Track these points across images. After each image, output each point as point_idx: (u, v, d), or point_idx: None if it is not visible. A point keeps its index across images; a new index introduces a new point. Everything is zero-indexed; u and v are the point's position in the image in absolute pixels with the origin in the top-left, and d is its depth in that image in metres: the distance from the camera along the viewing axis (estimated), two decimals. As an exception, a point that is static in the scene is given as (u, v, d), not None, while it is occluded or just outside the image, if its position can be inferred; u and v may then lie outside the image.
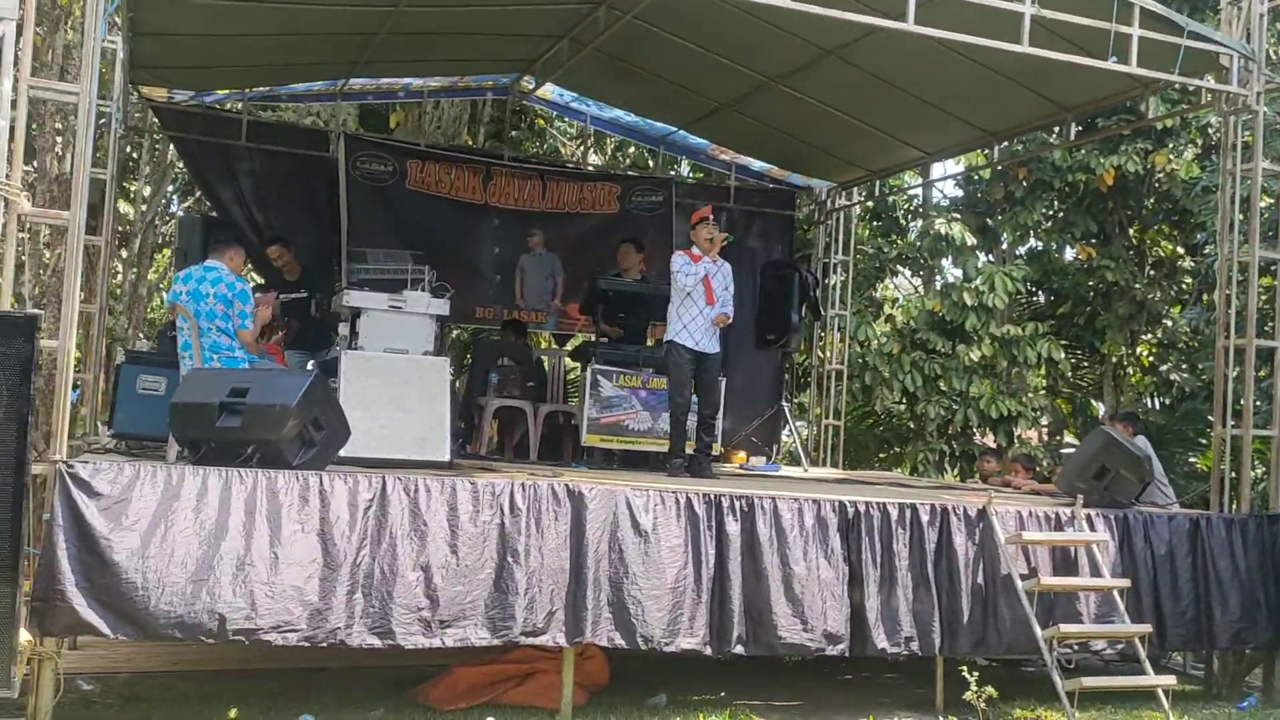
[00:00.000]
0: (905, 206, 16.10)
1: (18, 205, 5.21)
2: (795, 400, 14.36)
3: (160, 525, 5.47)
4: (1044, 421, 14.47)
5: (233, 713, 5.84)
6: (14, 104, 5.23)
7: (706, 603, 6.47)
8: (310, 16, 8.74)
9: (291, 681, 6.71)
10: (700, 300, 8.10)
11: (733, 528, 6.55)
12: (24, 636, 5.02)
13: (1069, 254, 15.46)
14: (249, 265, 9.28)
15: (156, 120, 11.04)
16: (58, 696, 5.40)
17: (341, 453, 6.36)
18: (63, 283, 11.38)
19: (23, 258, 12.11)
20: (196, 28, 8.77)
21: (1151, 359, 15.08)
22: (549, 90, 11.87)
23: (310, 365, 8.13)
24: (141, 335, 15.64)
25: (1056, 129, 11.13)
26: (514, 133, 14.19)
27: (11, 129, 5.23)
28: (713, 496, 6.57)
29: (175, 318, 7.38)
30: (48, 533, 5.26)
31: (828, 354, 12.73)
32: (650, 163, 14.71)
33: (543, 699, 6.35)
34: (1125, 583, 7.09)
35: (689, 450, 8.31)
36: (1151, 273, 14.68)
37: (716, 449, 9.73)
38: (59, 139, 12.99)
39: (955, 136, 10.77)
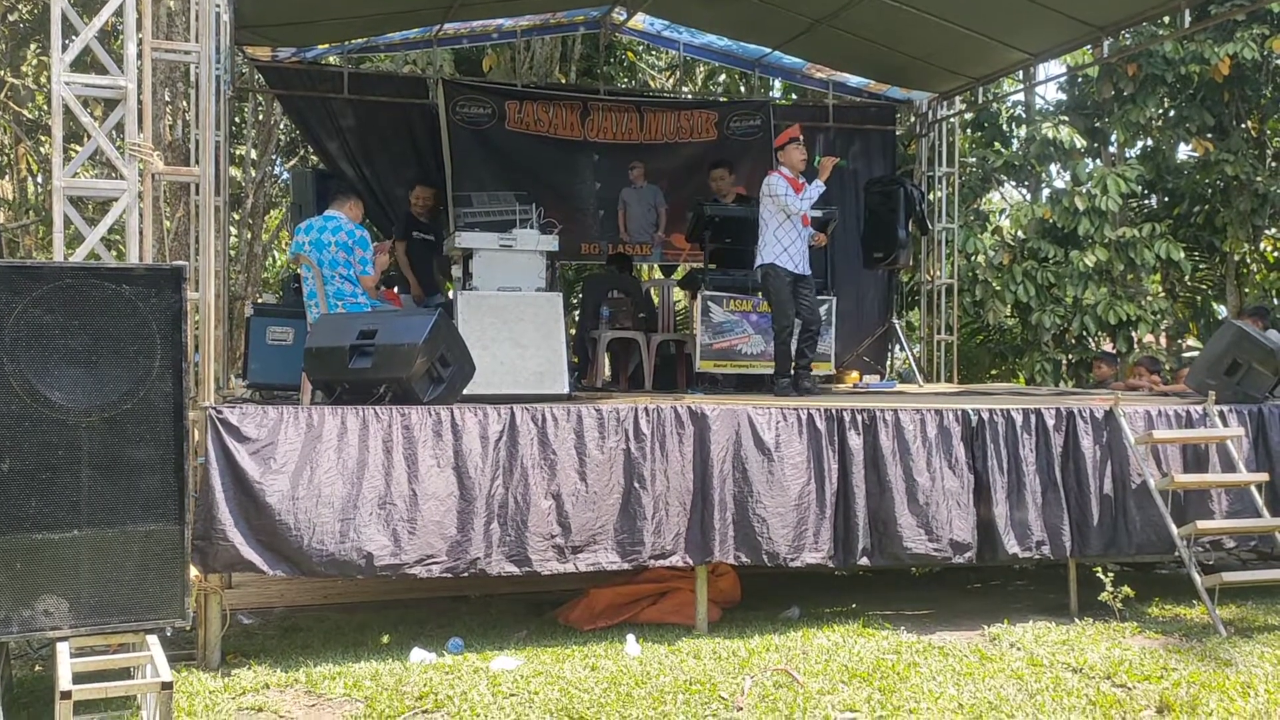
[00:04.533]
0: (1008, 114, 15.71)
1: (152, 165, 5.43)
2: (904, 318, 14.23)
3: (306, 467, 5.72)
4: (1164, 325, 14.11)
5: (385, 639, 6.13)
6: (139, 66, 5.44)
7: (830, 517, 6.54)
8: (406, -39, 8.83)
9: (436, 610, 6.98)
10: (798, 223, 8.07)
11: (855, 441, 6.60)
12: (191, 572, 5.31)
13: (1182, 153, 14.94)
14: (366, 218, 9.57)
15: (261, 79, 11.29)
16: (224, 629, 5.73)
17: (464, 391, 6.53)
18: (183, 245, 11.85)
19: (141, 225, 12.57)
20: (296, -17, 8.94)
21: (1276, 254, 14.57)
22: (640, 20, 11.81)
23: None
24: (259, 293, 16.18)
25: (1168, 19, 10.70)
26: (605, 67, 14.17)
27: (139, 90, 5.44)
28: (834, 411, 6.61)
29: (299, 268, 7.62)
30: (204, 476, 5.55)
31: (936, 269, 12.56)
32: (743, 89, 14.58)
33: (678, 616, 6.50)
34: (1263, 477, 6.94)
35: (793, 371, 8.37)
36: (1274, 165, 14.13)
37: (827, 368, 9.76)
38: (168, 106, 13.41)
39: (1061, 34, 10.41)
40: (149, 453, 4.63)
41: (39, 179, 17.91)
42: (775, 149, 8.65)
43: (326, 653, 5.86)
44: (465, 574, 5.99)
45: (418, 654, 5.75)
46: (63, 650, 4.37)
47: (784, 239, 8.09)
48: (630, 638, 6.05)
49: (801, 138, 8.31)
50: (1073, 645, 6.01)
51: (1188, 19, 9.75)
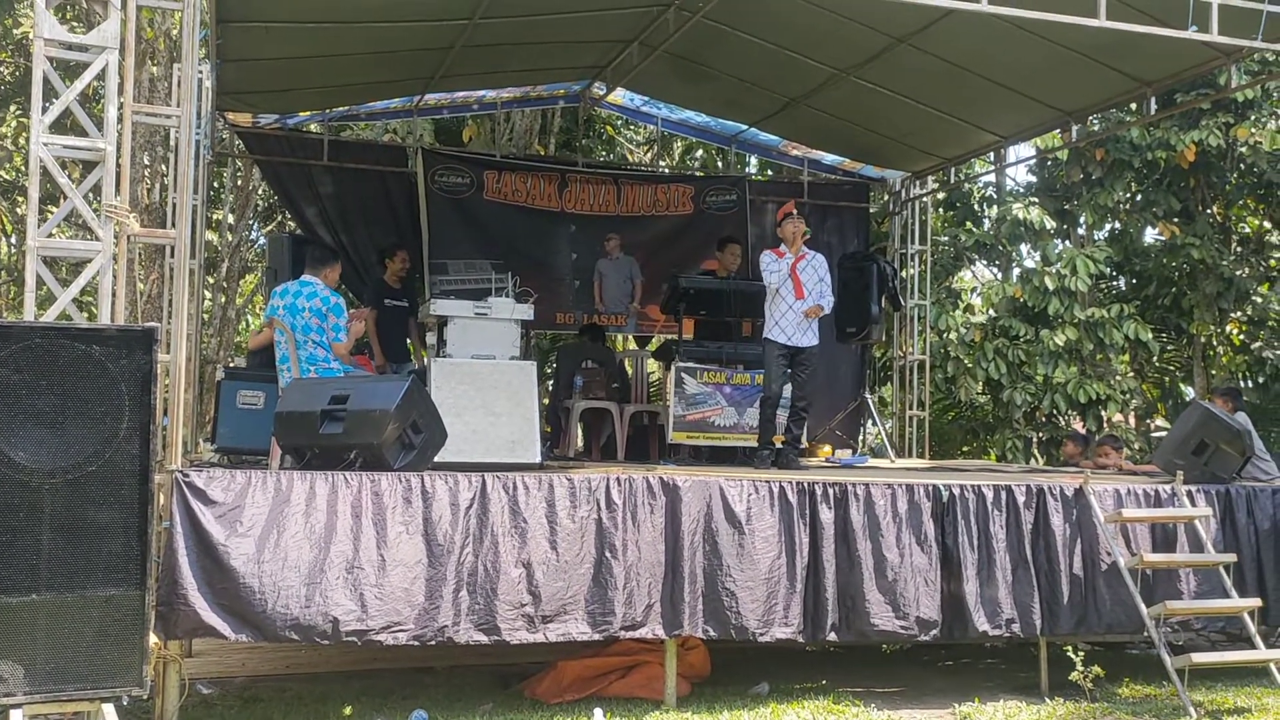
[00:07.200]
0: (980, 194, 15.97)
1: (128, 226, 5.43)
2: (876, 393, 14.31)
3: (273, 530, 5.65)
4: (1133, 404, 14.24)
5: (347, 710, 6.02)
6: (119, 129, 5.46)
7: (801, 592, 6.50)
8: (389, 34, 8.96)
9: (400, 680, 6.86)
10: (790, 295, 8.14)
11: (826, 515, 6.58)
12: (150, 640, 5.21)
13: (1149, 236, 15.21)
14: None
15: (241, 144, 11.34)
16: (183, 699, 5.61)
17: (436, 458, 6.49)
18: (157, 308, 11.80)
19: (115, 287, 12.51)
20: (281, 51, 9.03)
21: (1242, 338, 14.77)
22: (620, 95, 11.99)
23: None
24: (231, 357, 16.09)
25: (1134, 106, 10.96)
26: (584, 140, 14.34)
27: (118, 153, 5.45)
28: (806, 485, 6.61)
29: (273, 332, 7.59)
30: (168, 540, 5.46)
31: (908, 345, 12.67)
32: (720, 164, 14.77)
33: (647, 690, 6.41)
34: (1231, 558, 6.97)
35: (776, 444, 8.37)
36: (1238, 249, 14.39)
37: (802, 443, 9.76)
38: (147, 170, 13.44)
39: (1031, 118, 10.67)
40: (112, 516, 4.58)
41: (13, 240, 17.84)
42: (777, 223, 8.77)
43: (287, 724, 5.74)
44: (433, 641, 5.90)
45: (380, 726, 5.65)
46: (16, 718, 4.27)
47: (774, 313, 8.20)
48: (598, 712, 5.97)
49: (795, 212, 8.41)
50: (1043, 725, 5.97)
51: (1154, 106, 9.98)
